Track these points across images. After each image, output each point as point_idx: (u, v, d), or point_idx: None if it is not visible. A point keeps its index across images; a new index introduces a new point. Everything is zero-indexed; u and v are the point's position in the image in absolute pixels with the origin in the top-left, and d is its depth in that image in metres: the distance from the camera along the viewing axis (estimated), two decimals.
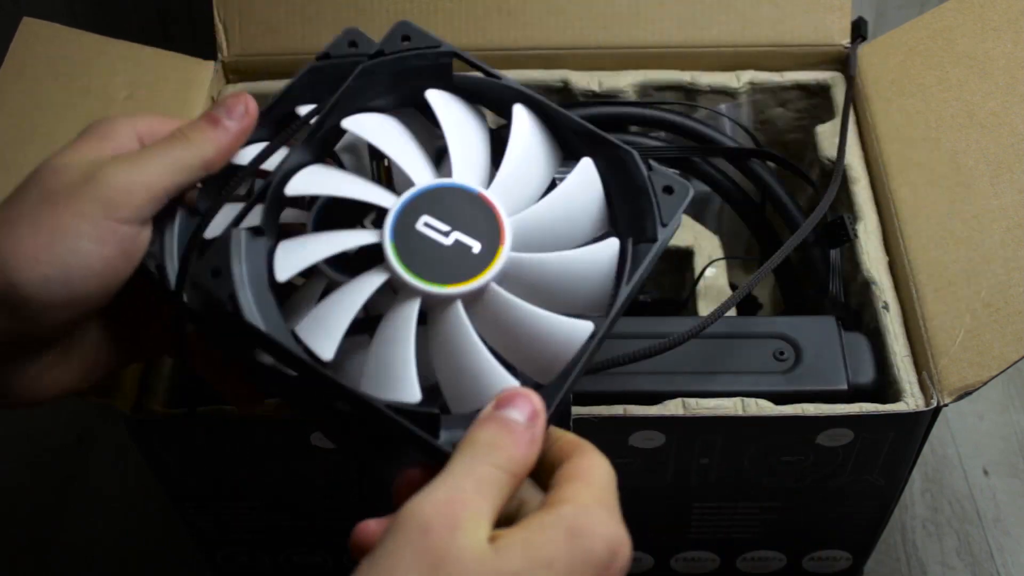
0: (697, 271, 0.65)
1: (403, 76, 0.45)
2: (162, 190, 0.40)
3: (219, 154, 0.41)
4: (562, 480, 0.36)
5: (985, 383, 0.52)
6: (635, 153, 0.43)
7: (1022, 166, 0.57)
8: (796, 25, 0.70)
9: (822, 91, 0.71)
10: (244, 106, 0.42)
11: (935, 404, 0.52)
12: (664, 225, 0.43)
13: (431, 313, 0.40)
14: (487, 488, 0.34)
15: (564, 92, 0.72)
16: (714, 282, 0.64)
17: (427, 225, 0.40)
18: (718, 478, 0.58)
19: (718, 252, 0.66)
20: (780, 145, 0.75)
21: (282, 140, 0.42)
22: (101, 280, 0.39)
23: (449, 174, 0.42)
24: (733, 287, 0.66)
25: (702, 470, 0.57)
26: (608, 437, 0.54)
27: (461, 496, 0.33)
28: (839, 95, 0.69)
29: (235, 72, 0.72)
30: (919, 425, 0.54)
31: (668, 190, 0.43)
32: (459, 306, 0.39)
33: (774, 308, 0.77)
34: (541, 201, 0.42)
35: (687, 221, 0.68)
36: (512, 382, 0.39)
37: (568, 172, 0.44)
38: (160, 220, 0.41)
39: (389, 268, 0.40)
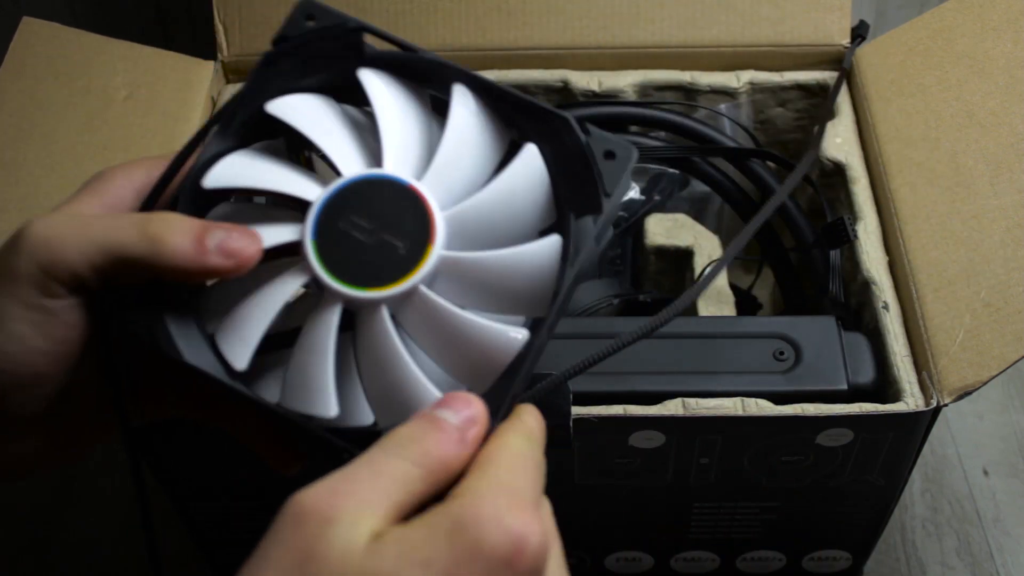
0: (697, 271, 0.65)
1: (314, 59, 0.40)
2: (101, 256, 0.35)
3: (173, 268, 0.35)
4: (466, 472, 0.32)
5: (985, 383, 0.52)
6: (571, 118, 0.38)
7: (1022, 166, 0.57)
8: (796, 25, 0.70)
9: (822, 91, 0.71)
10: (243, 249, 0.36)
11: (935, 404, 0.52)
12: (608, 195, 0.37)
13: (356, 317, 0.37)
14: (387, 482, 0.30)
15: (564, 92, 0.72)
16: (714, 282, 0.64)
17: (352, 221, 0.37)
18: (718, 478, 0.58)
19: (718, 252, 0.66)
20: (780, 145, 0.75)
21: (195, 144, 0.39)
22: (50, 359, 0.36)
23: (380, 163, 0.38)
24: (733, 287, 0.66)
25: (702, 470, 0.57)
26: (608, 437, 0.54)
27: (348, 487, 0.30)
28: (839, 95, 0.69)
29: (235, 72, 0.72)
30: (919, 425, 0.54)
31: (610, 155, 0.38)
32: (383, 312, 0.36)
33: (774, 308, 0.77)
34: (479, 193, 0.38)
35: (687, 221, 0.68)
36: (437, 395, 0.36)
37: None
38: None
39: (309, 269, 0.36)
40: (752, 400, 0.53)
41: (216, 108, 0.63)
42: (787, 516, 0.62)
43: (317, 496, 0.30)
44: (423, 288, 0.36)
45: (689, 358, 0.56)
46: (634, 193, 0.72)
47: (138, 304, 0.37)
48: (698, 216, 0.71)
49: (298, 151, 0.41)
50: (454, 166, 0.38)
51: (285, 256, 0.37)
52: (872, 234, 0.61)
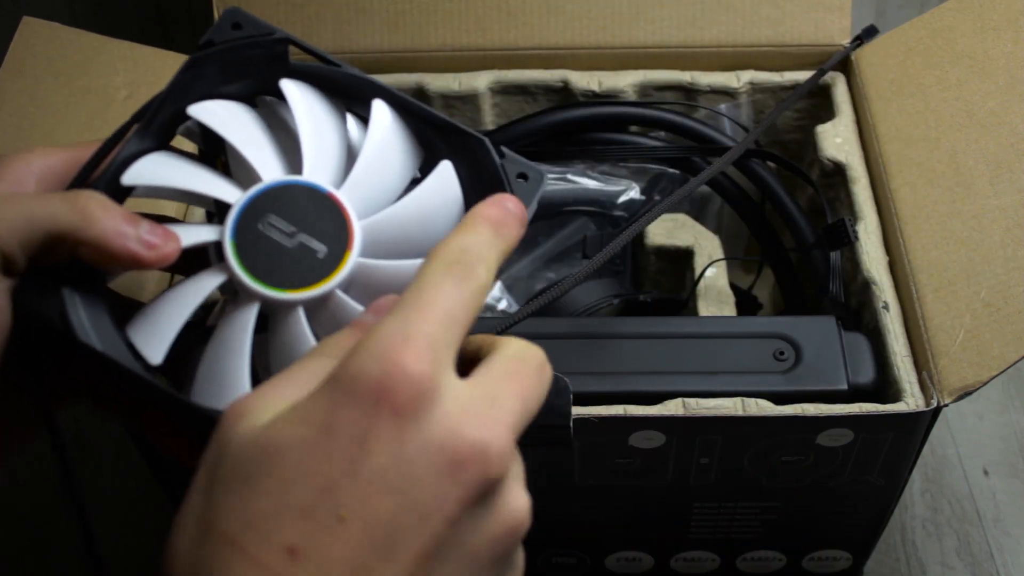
0: (697, 271, 0.65)
1: (237, 66, 0.41)
2: (30, 230, 0.35)
3: (98, 244, 0.35)
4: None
5: (985, 383, 0.52)
6: (486, 140, 0.40)
7: (1022, 166, 0.57)
8: (796, 25, 0.70)
9: (822, 91, 0.71)
10: (163, 244, 0.36)
11: (935, 404, 0.52)
12: None
13: (272, 318, 0.38)
14: (298, 374, 0.30)
15: (564, 92, 0.72)
16: (714, 282, 0.64)
17: (271, 225, 0.37)
18: (718, 478, 0.58)
19: (718, 252, 0.66)
20: (780, 145, 0.75)
21: (114, 141, 0.39)
22: None
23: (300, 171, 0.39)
24: (733, 287, 0.66)
25: (702, 470, 0.57)
26: (608, 437, 0.54)
27: (262, 389, 0.30)
28: (839, 95, 0.69)
29: None
30: (919, 425, 0.54)
31: (522, 177, 0.39)
32: (300, 313, 0.37)
33: (774, 308, 0.77)
34: (395, 204, 0.39)
35: (687, 221, 0.68)
36: None
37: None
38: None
39: (228, 268, 0.37)
40: (752, 400, 0.53)
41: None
42: (787, 516, 0.62)
43: (238, 400, 0.30)
44: (339, 293, 0.37)
45: (689, 358, 0.56)
46: (634, 193, 0.72)
47: (51, 288, 0.37)
48: (698, 216, 0.71)
49: (215, 156, 0.42)
50: (371, 178, 0.39)
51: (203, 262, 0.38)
52: (872, 234, 0.61)
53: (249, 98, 0.42)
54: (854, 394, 0.54)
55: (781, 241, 0.69)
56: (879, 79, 0.67)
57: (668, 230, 0.68)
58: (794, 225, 0.65)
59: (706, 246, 0.67)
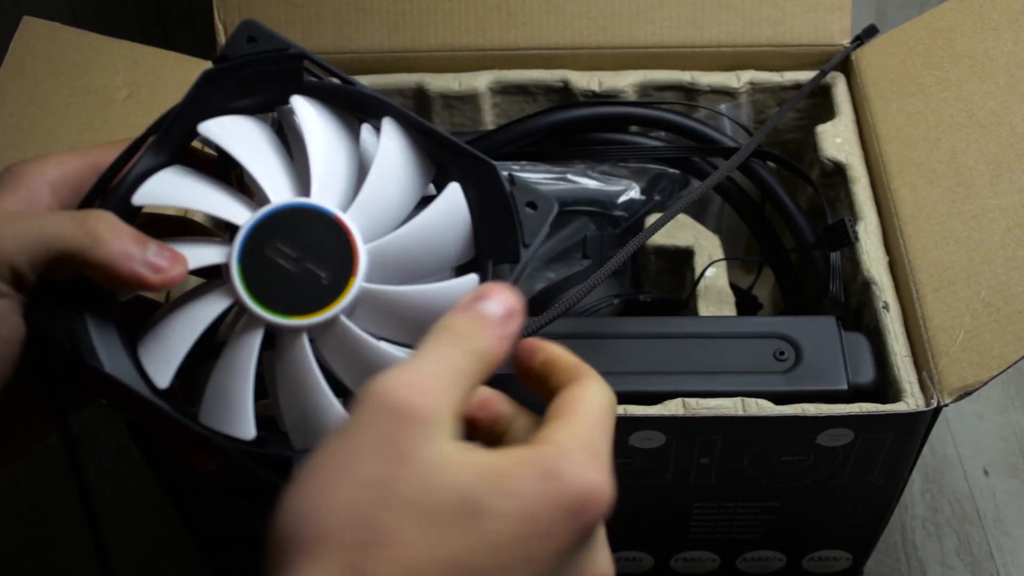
0: (697, 271, 0.65)
1: (252, 81, 0.41)
2: (40, 250, 0.36)
3: (105, 267, 0.36)
4: (551, 416, 0.33)
5: (985, 383, 0.52)
6: (496, 166, 0.40)
7: (1022, 166, 0.57)
8: (796, 25, 0.70)
9: (822, 91, 0.71)
10: (170, 268, 0.37)
11: (935, 404, 0.52)
12: (527, 246, 0.39)
13: (277, 340, 0.38)
14: (458, 378, 0.32)
15: (564, 92, 0.72)
16: (714, 282, 0.64)
17: (278, 249, 0.38)
18: (718, 478, 0.58)
19: (718, 252, 0.66)
20: (780, 145, 0.75)
21: (127, 156, 0.39)
22: None
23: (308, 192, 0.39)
24: (733, 287, 0.66)
25: (702, 470, 0.57)
26: None
27: (434, 384, 0.31)
28: (839, 95, 0.69)
29: None
30: (919, 425, 0.54)
31: (532, 206, 0.40)
32: (304, 340, 0.37)
33: (774, 308, 0.77)
34: (402, 228, 0.39)
35: (687, 221, 0.68)
36: None
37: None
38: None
39: (234, 293, 0.37)
40: (752, 400, 0.53)
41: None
42: (787, 516, 0.62)
43: (409, 389, 0.30)
44: (343, 318, 0.37)
45: (689, 358, 0.56)
46: (634, 193, 0.72)
47: (61, 308, 0.37)
48: (698, 216, 0.71)
49: (229, 169, 0.42)
50: (379, 200, 0.39)
51: (213, 276, 0.38)
52: (872, 234, 0.61)
53: (264, 111, 0.42)
54: (854, 394, 0.54)
55: (781, 241, 0.69)
56: (879, 79, 0.67)
57: (668, 230, 0.68)
58: (794, 225, 0.65)
59: (706, 246, 0.67)
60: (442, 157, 0.41)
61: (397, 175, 0.40)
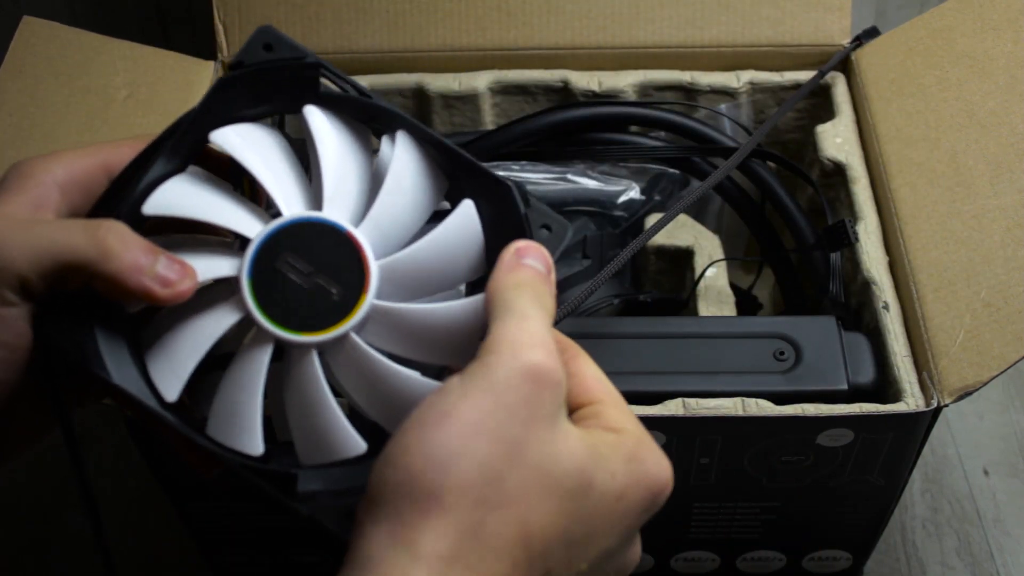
0: (697, 271, 0.65)
1: (267, 89, 0.41)
2: (49, 261, 0.35)
3: (114, 280, 0.36)
4: (603, 408, 0.35)
5: (985, 383, 0.52)
6: (513, 188, 0.40)
7: (1022, 166, 0.57)
8: (796, 25, 0.70)
9: (822, 91, 0.71)
10: (179, 281, 0.37)
11: (935, 404, 0.52)
12: None
13: (286, 355, 0.38)
14: (553, 338, 0.34)
15: (564, 92, 0.72)
16: (714, 282, 0.64)
17: (289, 263, 0.37)
18: (718, 478, 0.58)
19: (718, 252, 0.66)
20: (780, 145, 0.75)
21: (139, 163, 0.39)
22: (2, 366, 0.36)
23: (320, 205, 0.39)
24: (733, 287, 0.66)
25: (702, 470, 0.57)
26: None
27: (552, 346, 0.33)
28: (839, 95, 0.69)
29: None
30: (919, 425, 0.54)
31: (547, 228, 0.40)
32: (313, 356, 0.37)
33: (774, 308, 0.77)
34: (414, 245, 0.39)
35: (687, 221, 0.68)
36: (360, 443, 0.37)
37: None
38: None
39: (244, 307, 0.37)
40: (752, 400, 0.53)
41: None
42: (787, 516, 0.62)
43: (536, 351, 0.32)
44: (353, 336, 0.37)
45: (689, 358, 0.56)
46: (634, 193, 0.72)
47: (69, 319, 0.37)
48: (698, 216, 0.71)
49: (241, 176, 0.42)
50: (391, 215, 0.39)
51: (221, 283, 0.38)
52: (872, 234, 0.61)
53: (280, 113, 0.42)
54: (854, 394, 0.54)
55: (781, 241, 0.69)
56: (879, 79, 0.67)
57: (668, 230, 0.68)
58: (794, 225, 0.65)
59: (706, 246, 0.67)
60: (456, 172, 0.41)
61: (410, 190, 0.40)
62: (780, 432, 0.54)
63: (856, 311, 0.61)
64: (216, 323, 0.38)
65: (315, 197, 0.39)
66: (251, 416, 0.37)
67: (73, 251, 0.35)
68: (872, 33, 0.70)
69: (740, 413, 0.53)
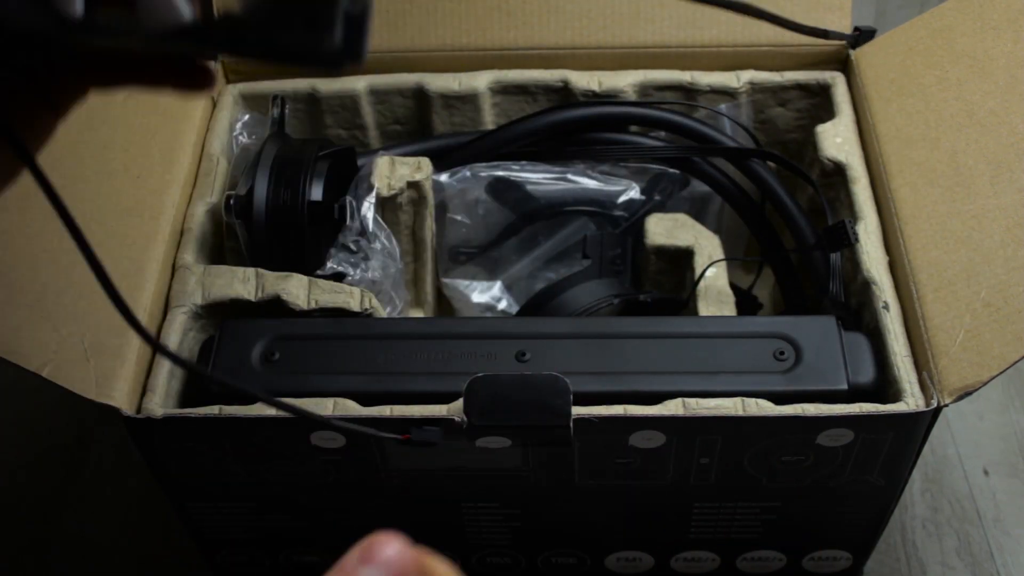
0: (697, 271, 0.65)
1: None
2: None
3: None
4: None
5: (985, 383, 0.52)
6: None
7: (1022, 166, 0.57)
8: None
9: (822, 91, 0.71)
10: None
11: (935, 404, 0.52)
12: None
13: None
14: None
15: (564, 92, 0.72)
16: (714, 282, 0.64)
17: None
18: (718, 478, 0.58)
19: (718, 252, 0.66)
20: (780, 145, 0.75)
21: None
22: None
23: None
24: (733, 287, 0.66)
25: (702, 470, 0.57)
26: (608, 437, 0.54)
27: None
28: (839, 95, 0.69)
29: (235, 72, 0.72)
30: (919, 425, 0.54)
31: None
32: None
33: (774, 308, 0.77)
34: None
35: (687, 221, 0.68)
36: None
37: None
38: None
39: None
40: (752, 400, 0.53)
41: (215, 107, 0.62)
42: (787, 516, 0.62)
43: None
44: None
45: (689, 358, 0.56)
46: (634, 193, 0.72)
47: None
48: (698, 216, 0.71)
49: None
50: None
51: None
52: (872, 234, 0.61)
53: None
54: (854, 394, 0.54)
55: (781, 241, 0.69)
56: (879, 79, 0.67)
57: (668, 230, 0.68)
58: (794, 225, 0.65)
59: (706, 246, 0.67)
60: None
61: None
62: (780, 432, 0.54)
63: (856, 311, 0.61)
64: None
65: None
66: None
67: None
68: (866, 33, 0.70)
69: (740, 413, 0.53)
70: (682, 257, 0.68)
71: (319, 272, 0.61)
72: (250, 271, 0.60)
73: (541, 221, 0.74)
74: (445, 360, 0.56)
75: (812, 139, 0.68)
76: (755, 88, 0.71)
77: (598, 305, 0.64)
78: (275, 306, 0.59)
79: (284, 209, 0.61)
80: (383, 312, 0.62)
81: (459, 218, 0.73)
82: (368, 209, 0.64)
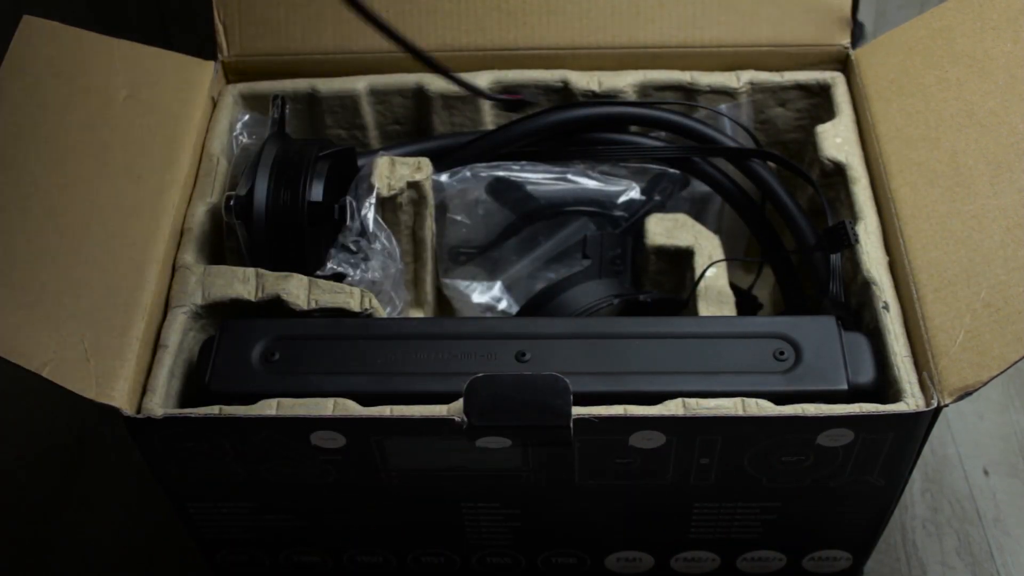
0: (697, 271, 0.65)
1: None
2: None
3: None
4: None
5: (985, 383, 0.52)
6: None
7: (1022, 166, 0.57)
8: (796, 25, 0.70)
9: (822, 91, 0.71)
10: None
11: (935, 404, 0.52)
12: None
13: None
14: None
15: (564, 92, 0.72)
16: (714, 282, 0.64)
17: None
18: (718, 478, 0.58)
19: (718, 252, 0.66)
20: (780, 145, 0.75)
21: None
22: None
23: None
24: (733, 287, 0.66)
25: (702, 470, 0.57)
26: (608, 437, 0.54)
27: None
28: (839, 95, 0.69)
29: (235, 72, 0.72)
30: (919, 425, 0.54)
31: None
32: None
33: (774, 308, 0.77)
34: None
35: (687, 221, 0.68)
36: None
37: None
38: None
39: None
40: (752, 400, 0.53)
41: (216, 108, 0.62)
42: (787, 516, 0.62)
43: None
44: None
45: (689, 358, 0.56)
46: (634, 193, 0.72)
47: None
48: (698, 216, 0.71)
49: None
50: None
51: None
52: (872, 234, 0.61)
53: None
54: (854, 394, 0.54)
55: (781, 241, 0.69)
56: (879, 79, 0.67)
57: (668, 230, 0.68)
58: (794, 226, 0.65)
59: (706, 246, 0.67)
60: None
61: None
62: (780, 432, 0.54)
63: (856, 311, 0.61)
64: None
65: None
66: None
67: None
68: (858, 31, 0.70)
69: (740, 413, 0.53)
70: (682, 257, 0.68)
71: (319, 272, 0.61)
72: (250, 271, 0.60)
73: (541, 221, 0.74)
74: (445, 360, 0.56)
75: (812, 139, 0.68)
76: (755, 88, 0.71)
77: (598, 305, 0.64)
78: (275, 306, 0.59)
79: (284, 209, 0.61)
80: (383, 312, 0.62)
81: (459, 218, 0.73)
82: (368, 209, 0.64)
